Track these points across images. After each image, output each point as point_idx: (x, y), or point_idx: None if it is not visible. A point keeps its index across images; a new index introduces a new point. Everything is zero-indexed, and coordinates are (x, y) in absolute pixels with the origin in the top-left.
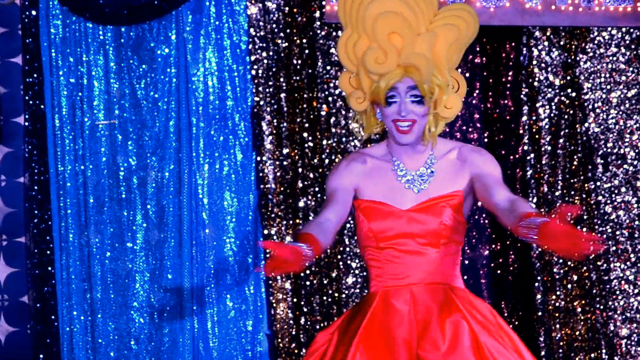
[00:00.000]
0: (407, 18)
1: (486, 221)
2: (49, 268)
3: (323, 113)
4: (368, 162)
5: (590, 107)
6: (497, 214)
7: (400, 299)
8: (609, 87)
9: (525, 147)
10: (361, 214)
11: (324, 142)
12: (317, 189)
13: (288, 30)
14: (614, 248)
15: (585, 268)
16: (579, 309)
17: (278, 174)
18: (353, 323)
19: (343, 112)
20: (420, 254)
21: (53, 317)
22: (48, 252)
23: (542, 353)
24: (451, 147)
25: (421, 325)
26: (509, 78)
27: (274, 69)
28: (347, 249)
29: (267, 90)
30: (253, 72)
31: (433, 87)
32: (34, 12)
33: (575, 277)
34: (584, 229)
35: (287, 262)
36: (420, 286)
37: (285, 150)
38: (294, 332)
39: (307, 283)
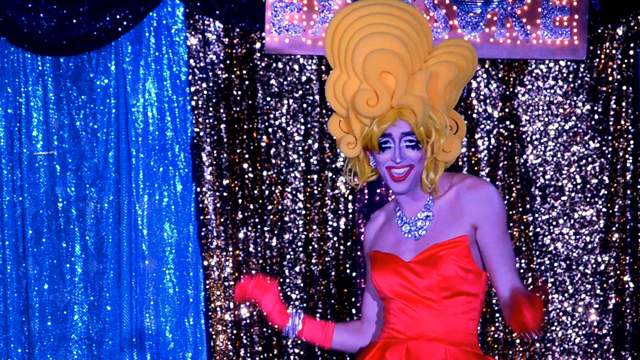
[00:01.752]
0: (400, 56)
1: None
2: None
3: (263, 144)
4: (382, 219)
5: (528, 139)
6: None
7: (394, 354)
8: (546, 119)
9: None
10: (370, 264)
11: (264, 173)
12: (257, 220)
13: (228, 62)
14: (552, 280)
15: None
16: (518, 341)
17: (218, 205)
18: None
19: (283, 144)
20: (421, 308)
21: None
22: None
23: None
24: (449, 184)
25: None
26: None
27: (213, 100)
28: (287, 280)
29: (207, 121)
30: (193, 102)
31: (429, 131)
32: None
33: None
34: (522, 261)
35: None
36: (418, 342)
37: (225, 181)
38: None
39: (247, 314)
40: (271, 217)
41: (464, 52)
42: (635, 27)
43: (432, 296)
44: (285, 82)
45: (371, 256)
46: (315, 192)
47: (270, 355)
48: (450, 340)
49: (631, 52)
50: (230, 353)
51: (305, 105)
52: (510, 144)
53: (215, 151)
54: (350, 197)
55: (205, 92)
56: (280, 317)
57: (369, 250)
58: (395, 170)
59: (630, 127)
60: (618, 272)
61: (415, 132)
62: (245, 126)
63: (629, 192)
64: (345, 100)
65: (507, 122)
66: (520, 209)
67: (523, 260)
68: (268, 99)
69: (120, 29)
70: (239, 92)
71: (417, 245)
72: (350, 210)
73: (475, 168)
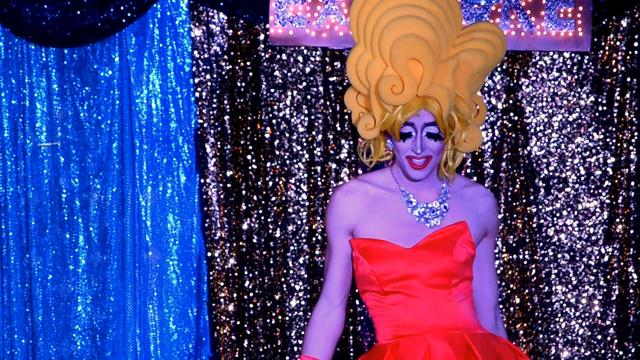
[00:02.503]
0: (430, 44)
1: None
2: None
3: (267, 135)
4: (370, 192)
5: (532, 130)
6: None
7: (414, 352)
8: (550, 111)
9: (468, 170)
10: (360, 255)
11: (268, 164)
12: (260, 211)
13: (232, 53)
14: (555, 271)
15: (527, 291)
16: (521, 332)
17: (222, 196)
18: None
19: (287, 135)
20: (431, 297)
21: None
22: None
23: None
24: (465, 183)
25: None
26: None
27: (217, 91)
28: (291, 272)
29: (211, 112)
30: (197, 94)
31: (453, 122)
32: None
33: (517, 300)
34: (526, 253)
35: None
36: (435, 334)
37: (228, 173)
38: (237, 355)
39: (251, 305)
40: (275, 208)
41: (494, 39)
42: None
43: (443, 283)
44: (289, 74)
45: (360, 246)
46: (319, 183)
47: (274, 346)
48: (462, 326)
49: (635, 44)
50: (234, 344)
51: (309, 97)
52: (514, 135)
53: (219, 142)
54: None
55: (209, 83)
56: None
57: (350, 226)
58: (415, 159)
59: (634, 119)
60: (622, 263)
61: (439, 124)
62: (249, 117)
63: (632, 183)
64: (368, 80)
65: (511, 114)
66: (524, 201)
67: (527, 252)
68: (272, 90)
69: (124, 21)
70: (243, 84)
71: (428, 232)
72: None
73: (479, 159)
